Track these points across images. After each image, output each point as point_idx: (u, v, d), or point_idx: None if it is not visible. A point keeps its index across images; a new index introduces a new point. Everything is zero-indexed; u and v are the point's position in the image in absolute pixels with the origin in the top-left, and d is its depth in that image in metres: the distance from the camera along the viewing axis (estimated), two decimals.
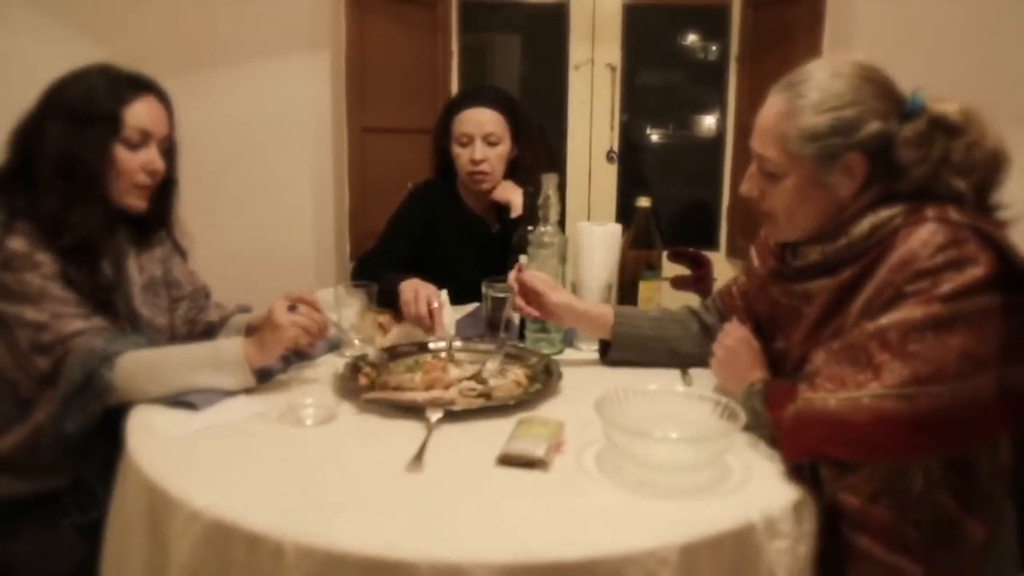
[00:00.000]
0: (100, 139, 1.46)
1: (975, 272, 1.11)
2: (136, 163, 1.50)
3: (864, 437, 1.11)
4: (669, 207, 4.08)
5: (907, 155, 1.21)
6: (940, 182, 1.20)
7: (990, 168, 1.21)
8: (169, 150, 1.58)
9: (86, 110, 1.46)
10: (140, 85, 1.52)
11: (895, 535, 1.12)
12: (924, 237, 1.14)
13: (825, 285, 1.27)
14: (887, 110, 1.22)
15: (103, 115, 1.46)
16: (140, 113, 1.49)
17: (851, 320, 1.19)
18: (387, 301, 1.90)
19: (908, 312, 1.11)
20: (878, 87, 1.24)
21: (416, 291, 1.86)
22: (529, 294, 1.63)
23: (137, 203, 1.54)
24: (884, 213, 1.22)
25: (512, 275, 1.65)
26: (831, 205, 1.27)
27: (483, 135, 2.20)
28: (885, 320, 1.13)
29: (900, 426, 1.09)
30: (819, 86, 1.23)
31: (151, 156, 1.51)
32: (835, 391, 1.14)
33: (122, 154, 1.48)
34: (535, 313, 1.64)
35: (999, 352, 1.12)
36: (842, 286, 1.24)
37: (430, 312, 1.84)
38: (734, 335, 1.42)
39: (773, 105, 1.28)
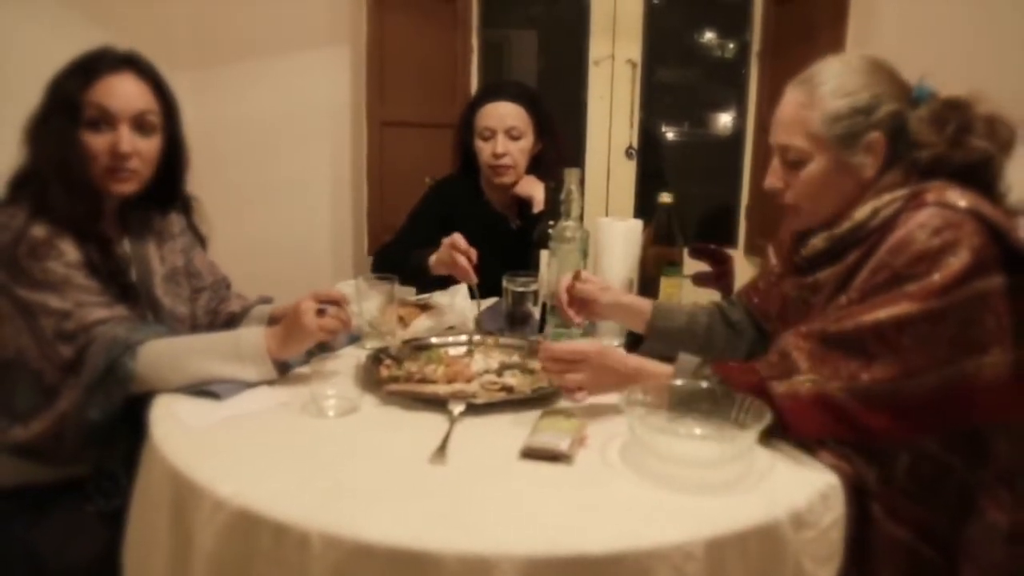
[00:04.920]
0: (62, 126, 1.43)
1: (966, 258, 1.15)
2: (103, 145, 1.45)
3: (860, 423, 1.16)
4: (686, 204, 4.06)
5: (924, 132, 1.27)
6: (964, 147, 1.25)
7: (1005, 144, 1.26)
8: (163, 127, 1.53)
9: (53, 98, 1.46)
10: (111, 64, 1.47)
11: (911, 513, 1.18)
12: (921, 220, 1.19)
13: (831, 274, 1.31)
14: (899, 93, 1.30)
15: (64, 101, 1.44)
16: (101, 93, 1.45)
17: (845, 299, 1.23)
18: (417, 277, 1.93)
19: (905, 308, 1.15)
20: (888, 74, 1.32)
21: (455, 243, 1.90)
22: (576, 303, 1.63)
23: (118, 188, 1.49)
24: (886, 197, 1.27)
25: (563, 285, 1.64)
26: (854, 187, 1.32)
27: (505, 129, 2.20)
28: (883, 314, 1.16)
29: (891, 412, 1.15)
30: (834, 75, 1.31)
31: (116, 137, 1.45)
32: (829, 378, 1.18)
33: (88, 138, 1.44)
34: (582, 322, 1.63)
35: (1006, 333, 1.16)
36: (845, 271, 1.28)
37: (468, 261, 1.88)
38: (590, 356, 1.35)
39: (792, 98, 1.35)
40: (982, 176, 1.25)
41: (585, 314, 1.65)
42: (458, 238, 1.91)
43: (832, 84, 1.30)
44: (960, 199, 1.19)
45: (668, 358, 1.35)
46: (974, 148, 1.24)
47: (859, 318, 1.18)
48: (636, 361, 1.36)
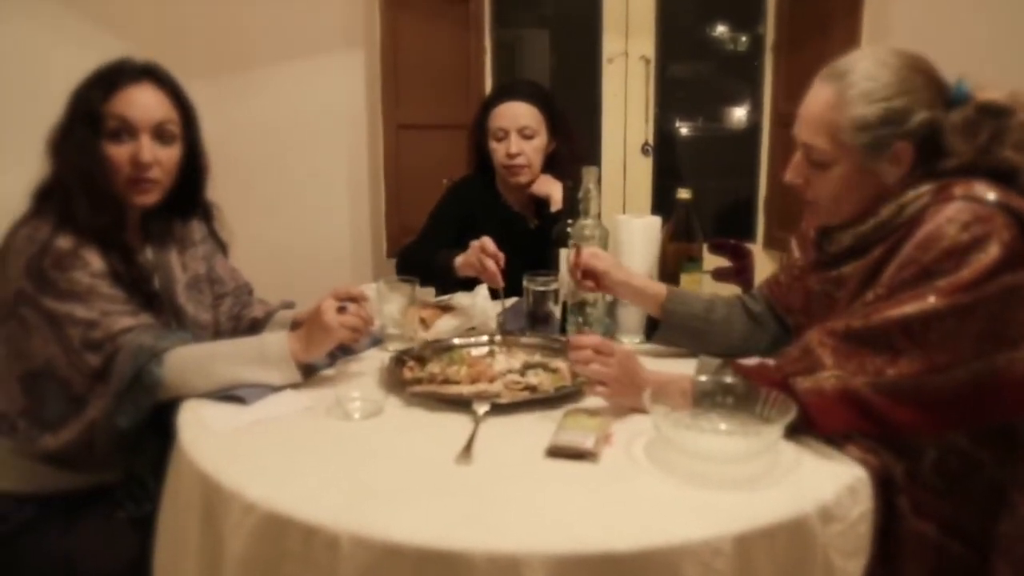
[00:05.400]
0: (84, 137, 1.45)
1: (996, 252, 1.13)
2: (124, 155, 1.46)
3: (886, 418, 1.15)
4: (704, 200, 4.05)
5: (955, 141, 1.23)
6: (992, 157, 1.22)
7: None
8: (182, 136, 1.54)
9: (75, 110, 1.47)
10: (131, 75, 1.49)
11: (938, 509, 1.18)
12: (950, 214, 1.16)
13: (856, 267, 1.30)
14: (933, 99, 1.25)
15: (85, 113, 1.45)
16: (121, 103, 1.46)
17: (872, 295, 1.21)
18: (442, 278, 1.93)
19: (932, 303, 1.14)
20: (924, 76, 1.26)
21: (484, 246, 1.91)
22: (588, 273, 1.63)
23: (140, 199, 1.51)
24: (911, 193, 1.24)
25: (572, 258, 1.65)
26: (875, 190, 1.29)
27: (518, 128, 2.20)
28: (910, 309, 1.15)
29: (917, 407, 1.15)
30: (868, 76, 1.25)
31: (137, 147, 1.47)
32: (854, 374, 1.17)
33: (110, 149, 1.46)
34: (593, 287, 1.63)
35: None
36: (871, 265, 1.26)
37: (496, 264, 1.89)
38: (618, 353, 1.35)
39: (820, 95, 1.29)
40: (1007, 179, 1.22)
41: (598, 287, 1.64)
42: (487, 242, 1.91)
43: (863, 87, 1.24)
44: (989, 192, 1.18)
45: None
46: (1002, 159, 1.21)
47: (885, 313, 1.17)
48: (656, 373, 1.36)
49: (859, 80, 1.25)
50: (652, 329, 1.65)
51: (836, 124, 1.26)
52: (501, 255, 1.90)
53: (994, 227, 1.14)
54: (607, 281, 1.62)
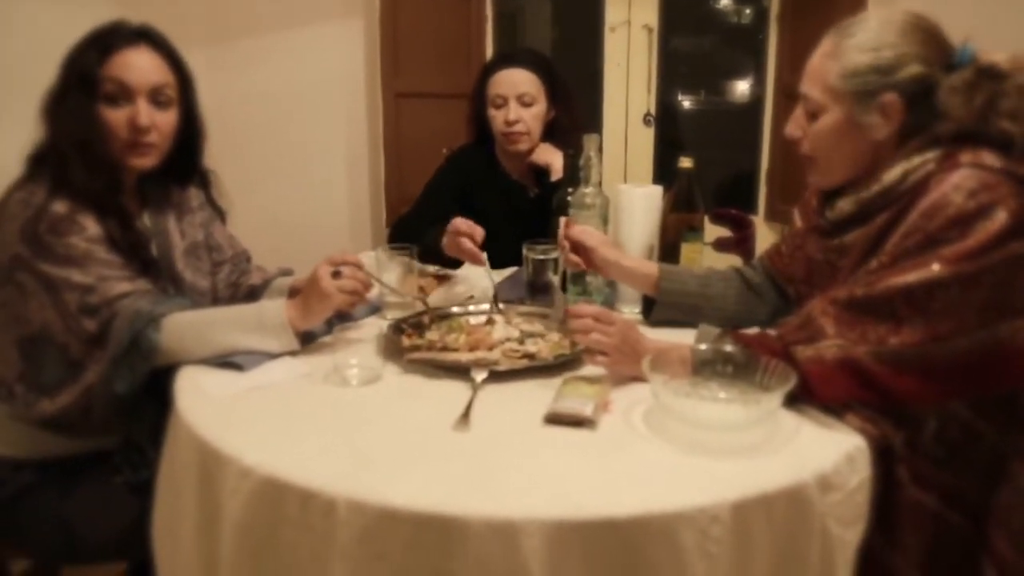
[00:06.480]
0: (79, 102, 1.43)
1: (1003, 220, 1.12)
2: (121, 119, 1.45)
3: (886, 387, 1.15)
4: (705, 172, 4.03)
5: (950, 102, 1.22)
6: (989, 125, 1.20)
7: None
8: (179, 100, 1.53)
9: (69, 74, 1.45)
10: (127, 37, 1.47)
11: (937, 479, 1.17)
12: (956, 182, 1.15)
13: (859, 235, 1.29)
14: (932, 57, 1.24)
15: (82, 76, 1.44)
16: (118, 67, 1.44)
17: (876, 263, 1.20)
18: (431, 256, 1.91)
19: (936, 272, 1.13)
20: (926, 34, 1.26)
21: (457, 228, 1.86)
22: (578, 248, 1.62)
23: (138, 162, 1.50)
24: (917, 159, 1.23)
25: (561, 230, 1.63)
26: (867, 148, 1.28)
27: (517, 95, 2.18)
28: (913, 277, 1.14)
29: (919, 376, 1.14)
30: (866, 28, 1.27)
31: (134, 111, 1.46)
32: (856, 343, 1.16)
33: (107, 113, 1.45)
34: (584, 265, 1.62)
35: None
36: (875, 233, 1.25)
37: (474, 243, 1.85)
38: (618, 322, 1.35)
39: (822, 47, 1.32)
40: (1005, 150, 1.20)
41: (584, 261, 1.62)
42: (458, 222, 1.86)
43: (860, 37, 1.26)
44: (996, 160, 1.16)
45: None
46: (1000, 131, 1.19)
47: (889, 281, 1.16)
48: (656, 342, 1.36)
49: (856, 32, 1.27)
50: (648, 308, 1.64)
51: (829, 72, 1.28)
52: (478, 230, 1.85)
53: (1001, 195, 1.13)
54: (596, 258, 1.60)
